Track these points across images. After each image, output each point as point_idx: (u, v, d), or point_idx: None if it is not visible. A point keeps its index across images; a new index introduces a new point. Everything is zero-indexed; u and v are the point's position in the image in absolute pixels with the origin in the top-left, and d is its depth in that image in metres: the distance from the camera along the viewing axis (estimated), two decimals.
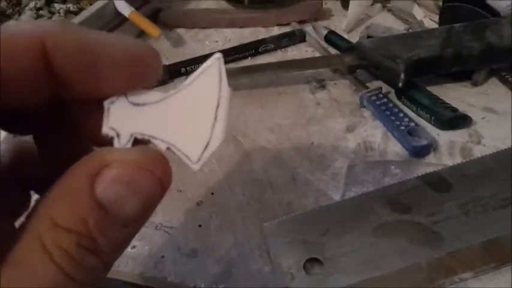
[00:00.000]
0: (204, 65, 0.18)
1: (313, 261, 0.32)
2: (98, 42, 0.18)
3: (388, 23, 0.56)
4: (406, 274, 0.31)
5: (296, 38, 0.55)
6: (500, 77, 0.47)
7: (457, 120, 0.42)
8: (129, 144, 0.18)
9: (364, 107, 0.45)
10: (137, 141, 0.19)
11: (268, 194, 0.38)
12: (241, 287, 0.32)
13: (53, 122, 0.20)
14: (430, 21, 0.52)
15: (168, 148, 0.18)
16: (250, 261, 0.34)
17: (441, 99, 0.44)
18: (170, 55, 0.55)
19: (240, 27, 0.59)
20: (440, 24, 0.51)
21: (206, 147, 0.18)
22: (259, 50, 0.54)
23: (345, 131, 0.43)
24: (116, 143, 0.19)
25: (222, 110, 0.18)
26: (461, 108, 0.43)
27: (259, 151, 0.42)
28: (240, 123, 0.45)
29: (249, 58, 0.54)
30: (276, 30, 0.58)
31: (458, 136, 0.41)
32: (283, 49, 0.55)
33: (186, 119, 0.18)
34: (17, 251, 0.15)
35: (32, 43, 0.17)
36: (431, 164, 0.39)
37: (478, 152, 0.40)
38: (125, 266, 0.34)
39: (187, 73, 0.50)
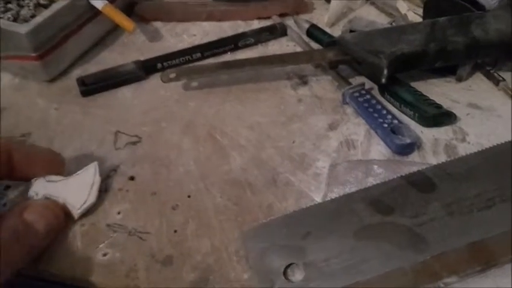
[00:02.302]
0: (87, 166, 0.37)
1: (293, 266, 0.31)
2: (35, 151, 0.38)
3: (371, 16, 0.55)
4: (390, 279, 0.30)
5: (277, 32, 0.53)
6: (485, 72, 0.46)
7: (441, 117, 0.41)
8: (43, 199, 0.35)
9: (347, 103, 0.44)
10: (47, 198, 0.35)
11: (248, 196, 0.37)
12: None
13: None
14: (414, 14, 0.51)
15: (63, 202, 0.35)
16: (228, 267, 0.32)
17: (425, 96, 0.43)
18: (146, 50, 0.53)
19: (219, 20, 0.57)
20: (424, 17, 0.49)
21: (84, 203, 0.35)
22: (239, 45, 0.52)
23: (327, 128, 0.42)
24: (35, 198, 0.35)
25: (95, 187, 0.36)
26: (446, 104, 0.42)
27: (238, 150, 0.41)
28: (218, 121, 0.44)
29: (229, 53, 0.52)
30: (256, 24, 0.56)
31: (442, 133, 0.40)
32: (263, 43, 0.53)
33: (74, 189, 0.36)
34: None
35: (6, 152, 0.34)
36: (415, 163, 0.38)
37: (463, 149, 0.39)
38: (95, 274, 0.32)
39: (164, 69, 0.48)
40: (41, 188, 0.35)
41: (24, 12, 0.49)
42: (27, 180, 0.36)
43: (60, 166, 0.37)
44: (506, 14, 0.44)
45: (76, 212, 0.35)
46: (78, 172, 0.37)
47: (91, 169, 0.37)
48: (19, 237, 0.31)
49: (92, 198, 0.36)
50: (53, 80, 0.50)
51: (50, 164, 0.37)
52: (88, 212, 0.36)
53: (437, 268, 0.30)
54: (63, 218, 0.34)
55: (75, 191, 0.36)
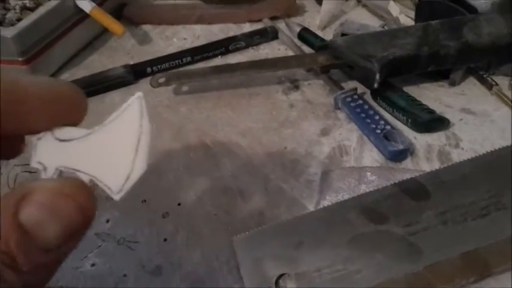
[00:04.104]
0: (126, 104, 0.20)
1: (285, 277, 0.30)
2: (24, 82, 0.19)
3: (363, 19, 0.55)
4: None
5: (268, 35, 0.53)
6: (478, 77, 0.45)
7: (434, 123, 0.40)
8: (55, 177, 0.20)
9: (339, 108, 0.44)
10: (62, 175, 0.20)
11: (239, 204, 0.36)
12: None
13: None
14: (406, 17, 0.51)
15: (91, 180, 0.19)
16: (218, 278, 0.31)
17: (418, 101, 0.42)
18: (136, 53, 0.52)
19: (210, 23, 0.56)
20: (416, 21, 0.49)
21: (127, 178, 0.19)
22: (230, 48, 0.52)
23: (319, 134, 0.42)
24: (43, 176, 0.20)
25: (143, 145, 0.19)
26: (439, 109, 0.42)
27: (229, 157, 0.40)
28: (209, 127, 0.43)
29: (219, 56, 0.52)
30: (247, 27, 0.55)
31: (435, 139, 0.40)
32: (254, 47, 0.53)
33: (108, 153, 0.20)
34: None
35: None
36: (408, 170, 0.37)
37: (456, 155, 0.38)
38: (83, 285, 0.31)
39: (153, 73, 0.48)
40: (50, 154, 0.20)
41: (11, 15, 0.48)
42: (24, 134, 0.22)
43: (78, 109, 0.21)
44: (499, 17, 0.44)
45: (116, 195, 0.19)
46: (112, 116, 0.20)
47: (133, 110, 0.20)
48: (13, 260, 0.17)
49: (140, 165, 0.19)
50: None
51: (58, 105, 0.20)
52: None
53: (431, 278, 0.29)
54: (92, 208, 0.19)
55: (110, 155, 0.20)
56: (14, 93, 0.19)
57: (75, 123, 0.21)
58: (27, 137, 0.21)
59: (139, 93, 0.20)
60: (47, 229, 0.17)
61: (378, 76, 0.41)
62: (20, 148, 0.22)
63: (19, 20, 0.47)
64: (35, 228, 0.17)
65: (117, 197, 0.19)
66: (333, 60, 0.44)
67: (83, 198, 0.18)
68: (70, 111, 0.21)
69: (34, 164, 0.20)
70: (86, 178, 0.20)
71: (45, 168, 0.20)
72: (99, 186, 0.19)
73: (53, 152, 0.20)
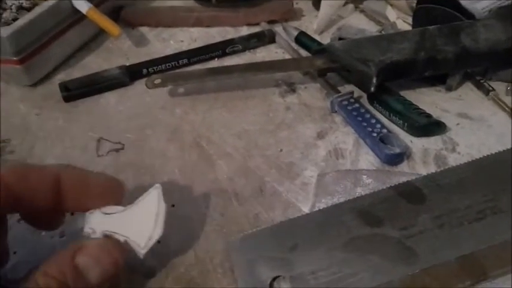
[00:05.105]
0: (149, 191, 0.30)
1: (280, 279, 0.30)
2: (91, 176, 0.30)
3: (360, 24, 0.55)
4: None
5: (265, 38, 0.53)
6: (475, 82, 0.45)
7: (431, 127, 0.40)
8: (100, 238, 0.29)
9: (335, 112, 0.43)
10: (106, 236, 0.29)
11: (234, 206, 0.36)
12: None
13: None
14: (403, 23, 0.51)
15: (125, 240, 0.29)
16: (213, 280, 0.31)
17: (414, 105, 0.42)
18: (132, 55, 0.52)
19: (207, 26, 0.56)
20: (413, 26, 0.49)
21: (149, 239, 0.29)
22: (227, 51, 0.51)
23: (315, 137, 0.41)
24: (92, 236, 0.29)
25: (160, 218, 0.29)
26: (435, 114, 0.42)
27: (224, 159, 0.40)
28: (204, 129, 0.43)
29: (216, 59, 0.51)
30: (244, 30, 0.55)
31: (432, 143, 0.40)
32: (251, 50, 0.53)
33: (137, 223, 0.29)
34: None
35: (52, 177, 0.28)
36: (404, 174, 0.37)
37: (453, 160, 0.38)
38: None
39: (149, 75, 0.47)
40: (98, 223, 0.29)
41: (7, 15, 0.48)
42: (78, 211, 0.31)
43: (119, 195, 0.31)
44: (496, 23, 0.44)
45: (141, 251, 0.29)
46: (139, 199, 0.30)
47: (154, 195, 0.30)
48: (70, 285, 0.25)
49: (158, 231, 0.29)
50: (34, 84, 0.49)
51: (107, 193, 0.30)
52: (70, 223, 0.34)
53: (427, 282, 0.29)
54: (122, 261, 0.28)
55: (138, 224, 0.29)
56: (83, 184, 0.29)
57: (116, 203, 0.30)
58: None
59: (157, 185, 0.30)
60: (92, 271, 0.26)
61: (374, 80, 0.41)
62: (62, 221, 0.32)
63: (15, 19, 0.47)
64: (84, 269, 0.26)
65: (143, 252, 0.29)
66: (330, 64, 0.44)
67: (117, 253, 0.28)
68: (113, 196, 0.30)
69: (86, 229, 0.29)
70: (121, 238, 0.29)
71: (94, 232, 0.29)
72: (130, 244, 0.29)
73: (100, 222, 0.29)
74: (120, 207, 0.30)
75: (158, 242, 0.29)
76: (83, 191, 0.29)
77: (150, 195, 0.30)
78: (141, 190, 0.35)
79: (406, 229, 0.31)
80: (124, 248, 0.29)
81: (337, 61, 0.44)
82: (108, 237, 0.29)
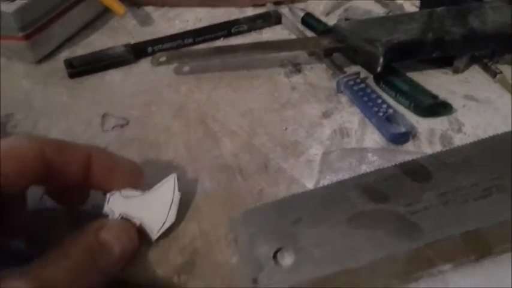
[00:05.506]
0: (165, 179, 0.32)
1: (283, 251, 0.30)
2: (117, 158, 0.32)
3: (367, 5, 0.54)
4: (382, 266, 0.29)
5: (271, 19, 0.52)
6: (482, 65, 0.45)
7: (437, 107, 0.40)
8: (118, 219, 0.30)
9: (341, 92, 0.43)
10: (123, 218, 0.31)
11: (238, 182, 0.36)
12: (206, 279, 0.29)
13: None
14: (410, 5, 0.50)
15: (140, 224, 0.31)
16: (216, 251, 0.31)
17: (421, 86, 0.42)
18: (137, 34, 0.52)
19: (213, 6, 0.56)
20: (421, 8, 0.49)
21: (162, 225, 0.31)
22: (232, 31, 0.51)
23: (320, 116, 0.41)
24: (111, 217, 0.31)
25: (174, 206, 0.32)
26: (442, 95, 0.42)
27: (229, 136, 0.40)
28: (209, 107, 0.43)
29: (221, 39, 0.51)
30: (250, 11, 0.55)
31: (438, 124, 0.40)
32: (257, 31, 0.52)
33: (152, 208, 0.31)
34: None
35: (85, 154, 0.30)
36: (410, 152, 0.37)
37: (459, 140, 0.38)
38: None
39: (154, 53, 0.47)
40: (118, 205, 0.31)
41: None
42: (100, 190, 0.32)
43: (139, 180, 0.32)
44: (504, 5, 0.43)
45: (154, 236, 0.31)
46: (156, 186, 0.32)
47: (170, 183, 0.32)
48: (95, 260, 0.26)
49: (171, 219, 0.31)
50: (39, 61, 0.48)
51: (129, 176, 0.32)
52: None
53: (432, 256, 0.29)
54: (138, 242, 0.30)
55: (153, 209, 0.31)
56: (111, 165, 0.31)
57: (134, 187, 0.32)
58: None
59: (174, 174, 0.32)
60: (113, 247, 0.28)
61: (381, 60, 0.41)
62: (86, 200, 0.33)
63: None
64: (108, 245, 0.28)
65: (154, 237, 0.31)
66: (337, 44, 0.44)
67: (133, 234, 0.30)
68: (133, 180, 0.32)
69: (106, 210, 0.31)
70: (137, 222, 0.31)
71: (113, 213, 0.31)
72: (144, 228, 0.31)
73: (119, 204, 0.31)
74: (138, 192, 0.32)
75: None
76: (110, 172, 0.31)
77: (166, 184, 0.32)
78: (146, 164, 0.36)
79: (411, 205, 0.31)
80: (140, 231, 0.30)
81: (344, 41, 0.44)
82: (125, 219, 0.31)
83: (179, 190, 0.32)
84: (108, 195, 0.31)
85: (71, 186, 0.30)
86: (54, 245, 0.26)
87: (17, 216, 0.30)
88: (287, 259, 0.29)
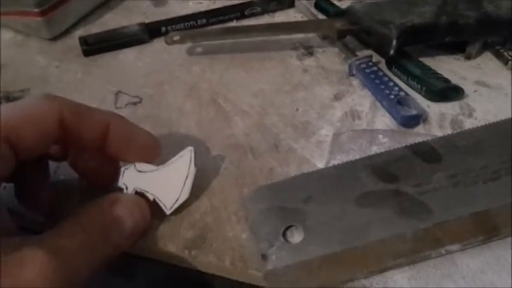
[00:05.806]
0: (181, 152, 0.32)
1: (293, 228, 0.30)
2: (136, 129, 0.31)
3: None
4: (390, 244, 0.29)
5: (285, 2, 0.52)
6: (494, 51, 0.45)
7: (448, 92, 0.40)
8: (132, 194, 0.30)
9: (353, 75, 0.43)
10: (137, 193, 0.30)
11: (249, 160, 0.36)
12: (216, 254, 0.30)
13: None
14: None
15: (153, 199, 0.31)
16: (226, 227, 0.32)
17: (433, 70, 0.42)
18: (150, 14, 0.52)
19: None
20: None
21: (176, 200, 0.31)
22: (246, 13, 0.51)
23: (332, 99, 0.41)
24: (125, 192, 0.31)
25: (188, 181, 0.31)
26: (453, 80, 0.41)
27: (241, 116, 0.40)
28: (221, 87, 0.43)
29: (234, 21, 0.51)
30: None
31: (449, 108, 0.40)
32: (270, 14, 0.52)
33: (166, 183, 0.31)
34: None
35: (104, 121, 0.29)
36: (420, 134, 0.37)
37: (469, 125, 0.38)
38: None
39: (167, 33, 0.47)
40: (132, 179, 0.31)
41: None
42: (115, 159, 0.32)
43: (156, 154, 0.32)
44: None
45: (167, 211, 0.31)
46: (172, 160, 0.31)
47: (186, 158, 0.31)
48: (107, 234, 0.27)
49: (186, 194, 0.31)
50: (55, 38, 0.49)
51: (146, 150, 0.31)
52: None
53: (440, 235, 0.29)
54: (150, 219, 0.30)
55: (167, 185, 0.31)
56: (129, 135, 0.30)
57: (150, 161, 0.31)
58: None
59: (190, 148, 0.31)
60: (126, 222, 0.28)
61: (394, 42, 0.41)
62: (113, 178, 0.32)
63: None
64: (121, 219, 0.27)
65: (168, 212, 0.31)
66: (350, 26, 0.44)
67: (146, 211, 0.29)
68: (149, 153, 0.31)
69: (120, 184, 0.31)
70: (151, 197, 0.30)
71: (127, 188, 0.31)
72: (158, 204, 0.31)
73: (133, 178, 0.31)
74: (153, 166, 0.31)
75: None
76: (127, 142, 0.30)
77: (182, 158, 0.31)
78: None
79: (420, 186, 0.32)
80: (152, 207, 0.30)
81: (357, 23, 0.44)
82: (139, 194, 0.30)
83: (195, 165, 0.31)
84: (122, 168, 0.31)
85: (90, 153, 0.31)
86: (68, 215, 0.26)
87: (39, 187, 0.31)
88: (296, 236, 0.30)
